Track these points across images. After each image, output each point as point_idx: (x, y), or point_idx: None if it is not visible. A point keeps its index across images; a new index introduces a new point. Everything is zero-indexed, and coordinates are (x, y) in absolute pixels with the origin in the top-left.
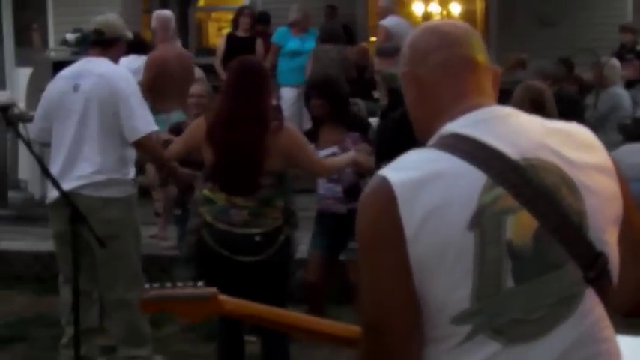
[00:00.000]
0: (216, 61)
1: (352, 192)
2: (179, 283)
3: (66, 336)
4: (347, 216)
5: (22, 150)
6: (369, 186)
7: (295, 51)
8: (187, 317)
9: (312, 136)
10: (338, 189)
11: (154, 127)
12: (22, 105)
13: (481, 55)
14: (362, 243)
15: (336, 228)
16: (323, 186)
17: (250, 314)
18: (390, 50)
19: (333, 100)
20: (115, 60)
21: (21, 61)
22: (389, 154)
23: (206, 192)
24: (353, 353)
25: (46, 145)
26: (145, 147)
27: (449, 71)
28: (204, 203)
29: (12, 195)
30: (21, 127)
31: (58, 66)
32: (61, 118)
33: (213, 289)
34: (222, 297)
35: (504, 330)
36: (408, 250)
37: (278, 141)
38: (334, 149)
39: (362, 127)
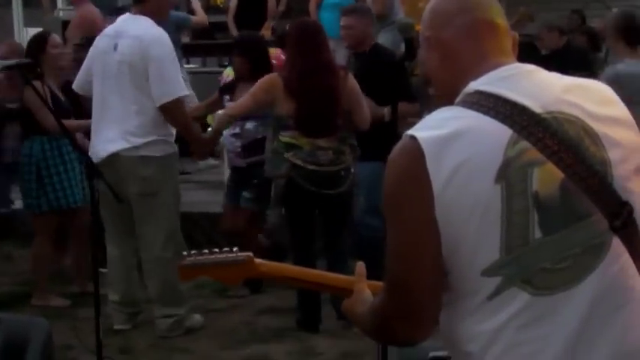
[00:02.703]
0: (229, 17)
1: (252, 147)
2: (215, 250)
3: (116, 294)
4: (245, 169)
5: None
6: (397, 145)
7: (337, 3)
8: (225, 281)
9: (229, 89)
10: (238, 143)
11: (184, 92)
12: None
13: (501, 19)
14: (389, 199)
15: (237, 180)
16: (227, 139)
17: (283, 275)
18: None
19: (253, 58)
20: (160, 15)
21: (29, 22)
22: None
23: (287, 139)
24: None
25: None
26: (170, 111)
27: (471, 34)
28: (288, 149)
29: None
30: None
31: (68, 26)
32: (99, 76)
33: (249, 253)
34: (258, 260)
35: (533, 281)
36: (435, 205)
37: (345, 85)
38: None
39: None
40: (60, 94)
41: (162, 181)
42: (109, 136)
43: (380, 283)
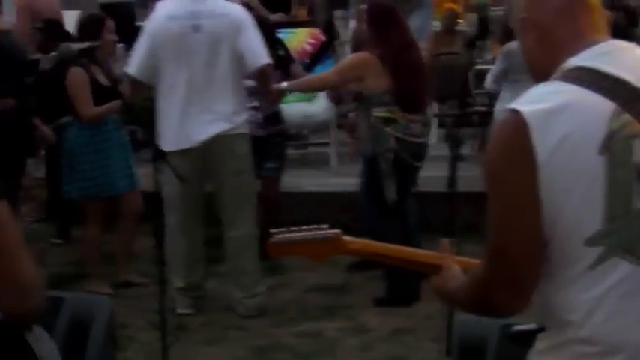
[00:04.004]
0: None
1: (271, 118)
2: (304, 227)
3: (182, 280)
4: (266, 139)
5: None
6: (501, 118)
7: None
8: (313, 258)
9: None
10: (260, 115)
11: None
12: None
13: None
14: (492, 170)
15: (256, 149)
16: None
17: (372, 252)
18: None
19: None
20: None
21: (66, 4)
22: None
23: (384, 114)
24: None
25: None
26: (266, 75)
27: (567, 13)
28: (387, 124)
29: None
30: None
31: (106, 8)
32: (179, 59)
33: (337, 231)
34: (346, 237)
35: (634, 250)
36: (539, 175)
37: None
38: None
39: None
40: (106, 82)
41: (249, 158)
42: (207, 118)
43: (467, 260)
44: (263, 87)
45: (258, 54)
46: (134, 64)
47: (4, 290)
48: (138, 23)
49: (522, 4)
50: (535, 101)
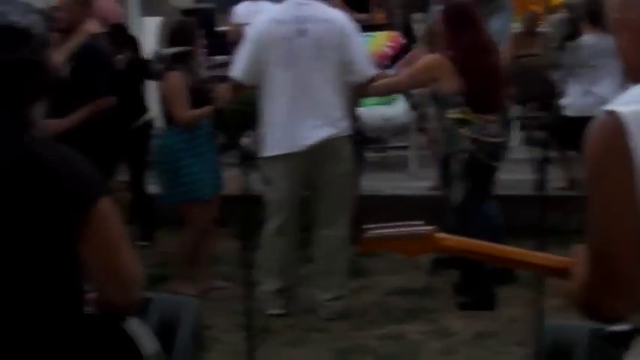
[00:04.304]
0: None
1: None
2: (398, 223)
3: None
4: None
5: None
6: (597, 119)
7: None
8: (406, 254)
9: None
10: None
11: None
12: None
13: None
14: (591, 171)
15: None
16: None
17: (466, 249)
18: None
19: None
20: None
21: (146, 11)
22: None
23: (457, 115)
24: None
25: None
26: (365, 86)
27: None
28: (461, 125)
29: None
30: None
31: (186, 14)
32: (285, 64)
33: (431, 227)
34: (440, 234)
35: None
36: (636, 177)
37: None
38: None
39: None
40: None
41: (351, 160)
42: (314, 123)
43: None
44: (359, 96)
45: (366, 65)
46: (238, 67)
47: (108, 282)
48: (217, 29)
49: (615, 5)
50: (632, 102)
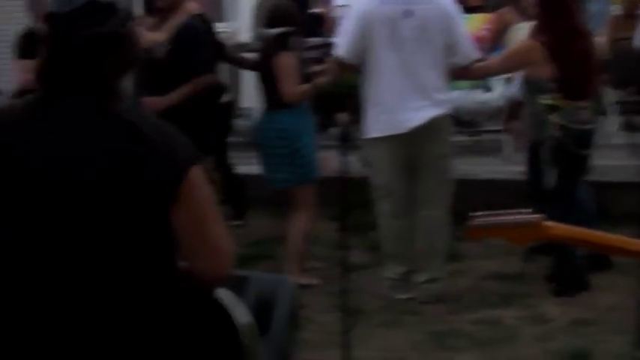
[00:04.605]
0: None
1: None
2: (505, 211)
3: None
4: None
5: (245, 79)
6: None
7: None
8: (513, 242)
9: None
10: None
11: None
12: (245, 36)
13: None
14: None
15: None
16: None
17: (573, 238)
18: None
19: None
20: None
21: None
22: None
23: (548, 102)
24: None
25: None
26: (467, 69)
27: None
28: (551, 111)
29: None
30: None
31: None
32: (390, 44)
33: (539, 216)
34: (548, 223)
35: None
36: None
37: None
38: None
39: None
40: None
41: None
42: (420, 104)
43: None
44: (458, 79)
45: (470, 48)
46: (342, 45)
47: (198, 252)
48: (311, 10)
49: None
50: None
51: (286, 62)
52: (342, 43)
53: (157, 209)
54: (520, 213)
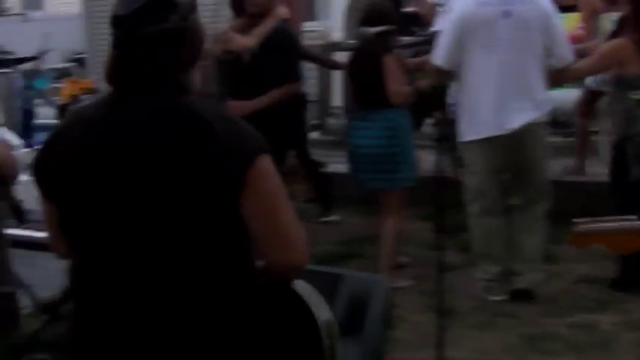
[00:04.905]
0: None
1: None
2: (610, 217)
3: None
4: None
5: (335, 79)
6: None
7: None
8: (617, 250)
9: None
10: None
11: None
12: (336, 35)
13: None
14: None
15: None
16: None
17: None
18: None
19: None
20: None
21: None
22: None
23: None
24: None
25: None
26: (562, 72)
27: None
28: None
29: (329, 121)
30: (338, 55)
31: None
32: (490, 46)
33: None
34: None
35: None
36: None
37: None
38: None
39: None
40: None
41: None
42: (520, 106)
43: None
44: (554, 82)
45: (567, 50)
46: (440, 54)
47: (270, 243)
48: (404, 9)
49: None
50: None
51: (392, 62)
52: (439, 51)
53: (226, 199)
54: (626, 219)
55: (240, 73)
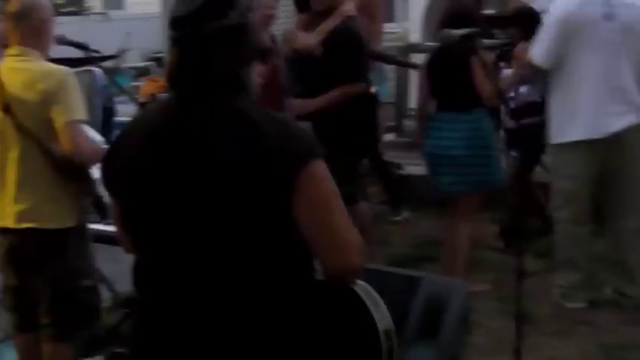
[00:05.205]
0: None
1: (523, 110)
2: None
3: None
4: (515, 131)
5: (412, 81)
6: None
7: None
8: None
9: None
10: (512, 105)
11: None
12: (415, 36)
13: None
14: None
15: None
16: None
17: None
18: None
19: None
20: None
21: None
22: None
23: None
24: None
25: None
26: None
27: None
28: None
29: (406, 123)
30: (415, 57)
31: None
32: (591, 47)
33: None
34: None
35: None
36: None
37: None
38: None
39: None
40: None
41: None
42: (620, 109)
43: None
44: None
45: None
46: (540, 52)
47: (324, 247)
48: (484, 12)
49: None
50: None
51: (479, 64)
52: (538, 49)
53: (276, 201)
54: None
55: (303, 70)
